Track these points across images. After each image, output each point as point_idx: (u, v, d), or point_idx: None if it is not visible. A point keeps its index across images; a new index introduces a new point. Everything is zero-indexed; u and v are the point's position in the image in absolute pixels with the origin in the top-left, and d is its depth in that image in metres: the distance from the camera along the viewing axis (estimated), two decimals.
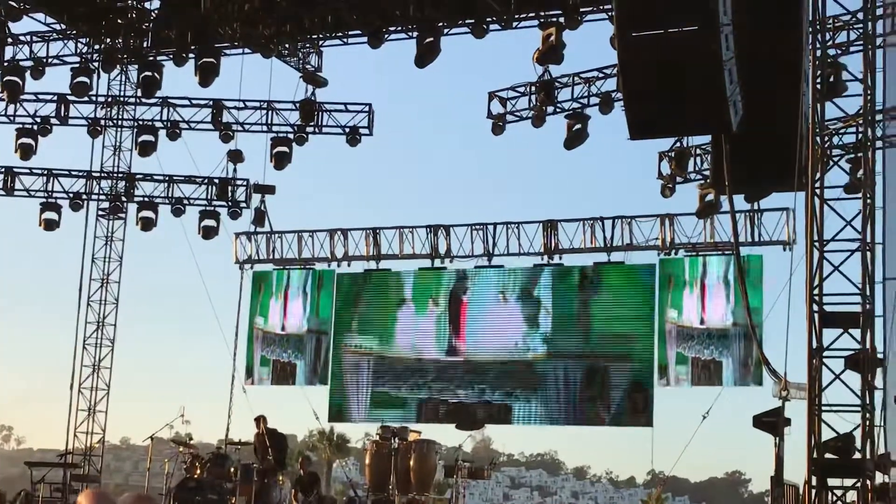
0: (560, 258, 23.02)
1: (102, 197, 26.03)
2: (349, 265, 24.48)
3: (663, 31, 13.74)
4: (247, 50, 21.56)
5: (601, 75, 21.26)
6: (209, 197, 24.99)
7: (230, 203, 24.87)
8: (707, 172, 20.85)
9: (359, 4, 19.94)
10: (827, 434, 13.86)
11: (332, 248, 24.51)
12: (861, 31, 15.20)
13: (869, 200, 14.11)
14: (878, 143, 15.24)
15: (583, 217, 22.85)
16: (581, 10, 19.09)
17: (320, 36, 21.41)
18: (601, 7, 18.83)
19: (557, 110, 21.57)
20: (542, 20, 19.46)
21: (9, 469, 64.32)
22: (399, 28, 20.34)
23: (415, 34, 19.98)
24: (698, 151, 21.65)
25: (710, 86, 13.70)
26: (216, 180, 24.87)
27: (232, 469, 17.57)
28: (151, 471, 18.34)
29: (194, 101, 23.85)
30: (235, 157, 24.30)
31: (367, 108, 23.38)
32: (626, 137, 14.28)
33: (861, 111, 14.69)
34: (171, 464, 17.63)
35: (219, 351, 24.26)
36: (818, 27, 14.64)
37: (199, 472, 17.40)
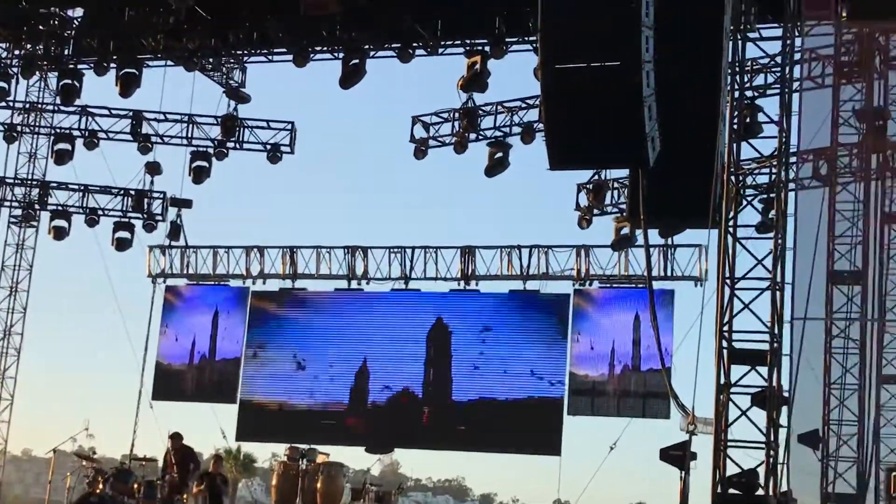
0: (476, 284, 23.13)
1: (15, 204, 25.58)
2: (264, 283, 24.36)
3: (586, 64, 13.91)
4: (169, 62, 21.35)
5: (524, 105, 21.41)
6: (124, 208, 24.63)
7: (145, 215, 24.54)
8: (624, 206, 21.08)
9: (285, 22, 19.86)
10: (732, 469, 14.01)
11: (247, 266, 24.38)
12: (778, 74, 15.47)
13: (780, 240, 14.34)
14: (791, 185, 15.51)
15: (500, 244, 23.11)
16: (507, 39, 19.21)
17: (245, 52, 21.29)
18: (526, 38, 18.97)
19: (480, 138, 21.66)
20: (467, 48, 19.56)
21: None
22: (325, 48, 20.30)
23: (340, 55, 19.98)
24: (616, 185, 21.88)
25: (629, 121, 13.87)
26: (132, 192, 24.53)
27: (135, 485, 17.29)
28: (53, 484, 18.00)
29: (114, 111, 23.53)
30: (153, 169, 24.01)
31: (289, 126, 23.28)
32: (546, 168, 14.47)
33: (776, 153, 14.93)
34: (73, 477, 17.33)
35: (127, 365, 24.00)
36: (737, 69, 14.89)
37: (101, 487, 17.08)
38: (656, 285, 20.82)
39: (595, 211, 22.13)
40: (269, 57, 21.15)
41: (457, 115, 21.66)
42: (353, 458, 22.88)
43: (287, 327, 24.04)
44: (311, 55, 20.29)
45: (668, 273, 21.64)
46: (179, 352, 24.57)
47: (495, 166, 21.39)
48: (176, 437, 18.40)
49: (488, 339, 22.55)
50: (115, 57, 20.88)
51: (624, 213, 20.64)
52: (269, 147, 23.17)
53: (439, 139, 22.19)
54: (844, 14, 14.24)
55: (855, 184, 19.95)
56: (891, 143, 20.14)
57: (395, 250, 23.45)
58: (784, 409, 14.10)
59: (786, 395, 14.10)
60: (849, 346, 19.78)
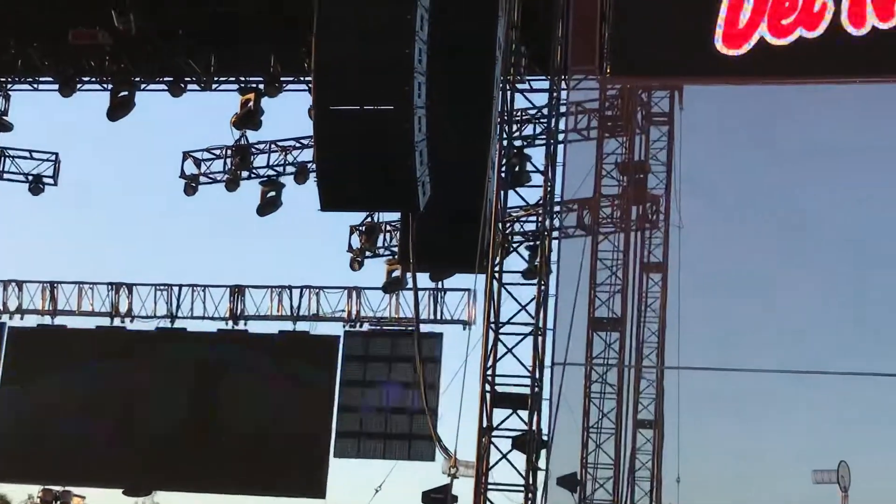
0: (246, 324, 22.84)
1: None
2: (22, 318, 23.37)
3: (360, 107, 14.01)
4: None
5: (298, 145, 21.37)
6: None
7: None
8: (396, 248, 21.23)
9: (51, 51, 19.25)
10: None
11: (4, 300, 23.39)
12: (546, 125, 15.90)
13: (543, 287, 14.68)
14: (556, 233, 15.93)
15: (271, 284, 22.86)
16: (282, 78, 19.20)
17: (8, 79, 20.50)
18: (302, 78, 18.97)
19: (252, 176, 21.48)
20: (242, 85, 19.43)
21: None
22: (93, 79, 19.78)
23: (109, 86, 19.52)
24: (389, 227, 22.02)
25: (400, 165, 14.06)
26: None
27: None
28: None
29: None
30: None
31: (53, 157, 22.49)
32: (318, 208, 14.46)
33: (541, 201, 15.32)
34: None
35: None
36: (506, 118, 15.25)
37: None
38: (426, 328, 21.05)
39: (367, 253, 22.20)
40: (35, 85, 20.46)
41: (229, 152, 21.43)
42: (111, 500, 22.12)
43: (46, 363, 23.09)
44: (79, 85, 19.75)
45: (438, 316, 21.89)
46: None
47: (267, 205, 21.26)
48: None
49: (256, 378, 22.20)
50: None
51: (395, 256, 20.80)
52: (31, 178, 22.33)
53: (211, 176, 21.87)
54: (609, 69, 14.73)
55: (616, 234, 20.67)
56: (651, 196, 20.96)
57: (162, 288, 22.89)
58: (543, 452, 14.39)
59: (545, 438, 14.39)
60: (606, 390, 20.41)
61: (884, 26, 13.42)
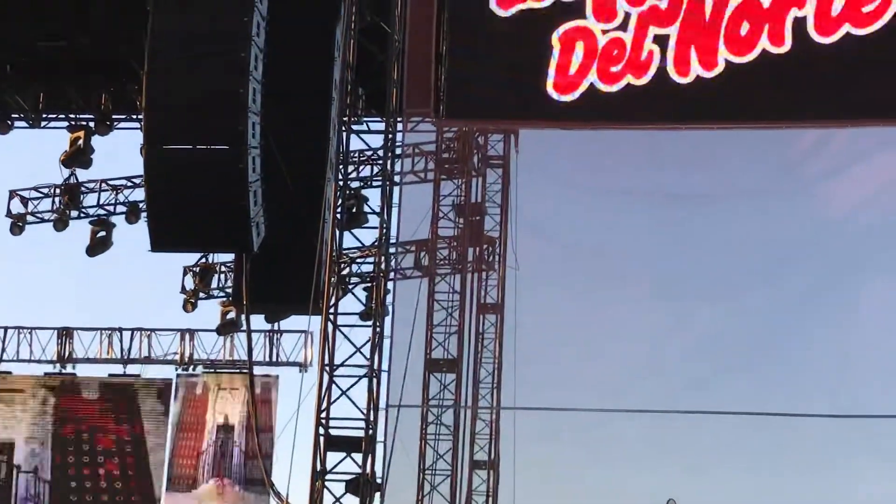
0: (74, 367, 22.24)
1: None
2: None
3: (192, 146, 13.83)
4: None
5: (130, 184, 20.94)
6: None
7: None
8: (230, 289, 20.95)
9: None
10: None
11: None
12: (381, 167, 15.93)
13: (379, 329, 14.65)
14: (392, 275, 15.93)
15: (101, 326, 22.32)
16: (113, 116, 18.85)
17: None
18: (133, 116, 18.65)
19: (82, 215, 20.98)
20: (71, 122, 19.01)
21: None
22: None
23: None
24: (224, 268, 21.70)
25: (234, 205, 13.93)
26: None
27: None
28: None
29: None
30: None
31: None
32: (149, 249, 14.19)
33: (377, 243, 15.32)
34: None
35: None
36: (342, 159, 15.20)
37: None
38: (261, 371, 20.82)
39: (201, 294, 21.82)
40: None
41: (58, 190, 20.90)
42: None
43: None
44: None
45: (274, 359, 21.67)
46: None
47: (97, 245, 20.76)
48: None
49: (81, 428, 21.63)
50: None
51: (230, 298, 20.53)
52: None
53: (38, 215, 21.25)
54: (444, 112, 14.85)
55: (452, 275, 20.78)
56: (487, 238, 21.15)
57: None
58: (377, 495, 14.32)
59: (379, 481, 14.32)
60: (442, 432, 20.43)
61: (708, 75, 13.85)
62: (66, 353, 22.11)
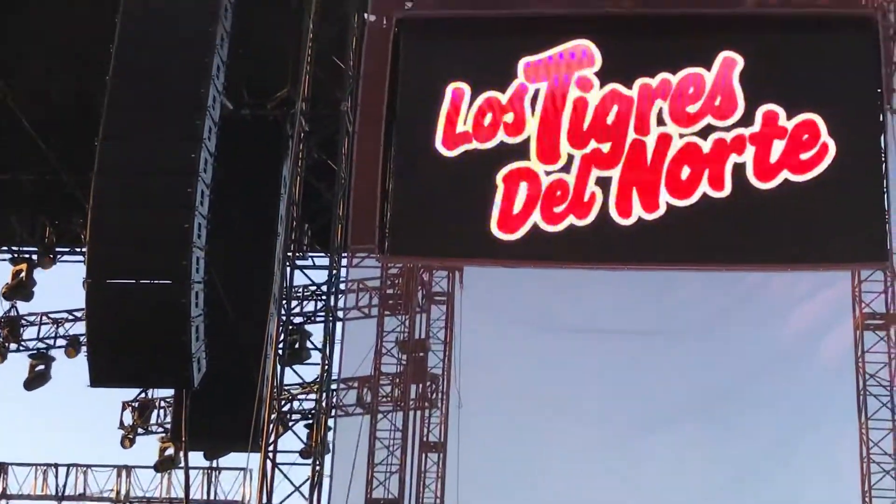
0: None
1: None
2: None
3: (135, 281, 13.73)
4: None
5: (71, 317, 20.79)
6: None
7: None
8: (169, 425, 20.64)
9: None
10: None
11: None
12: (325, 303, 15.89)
13: (318, 467, 14.45)
14: (333, 412, 15.79)
15: (36, 462, 21.83)
16: (57, 249, 18.79)
17: None
18: (77, 249, 18.60)
19: (21, 348, 20.72)
20: (14, 255, 18.91)
21: None
22: None
23: None
24: (164, 403, 21.42)
25: (175, 340, 13.76)
26: None
27: None
28: None
29: None
30: None
31: None
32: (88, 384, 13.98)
33: (319, 379, 15.21)
34: None
35: None
36: (286, 294, 15.17)
37: None
38: None
39: (140, 430, 21.49)
40: None
41: None
42: None
43: None
44: None
45: (212, 496, 21.25)
46: None
47: (36, 379, 20.47)
48: None
49: None
50: None
51: (169, 434, 20.21)
52: None
53: None
54: (388, 249, 14.90)
55: (395, 412, 20.59)
56: (430, 375, 21.05)
57: None
58: None
59: None
60: None
61: (649, 217, 14.00)
62: (1, 490, 21.60)
